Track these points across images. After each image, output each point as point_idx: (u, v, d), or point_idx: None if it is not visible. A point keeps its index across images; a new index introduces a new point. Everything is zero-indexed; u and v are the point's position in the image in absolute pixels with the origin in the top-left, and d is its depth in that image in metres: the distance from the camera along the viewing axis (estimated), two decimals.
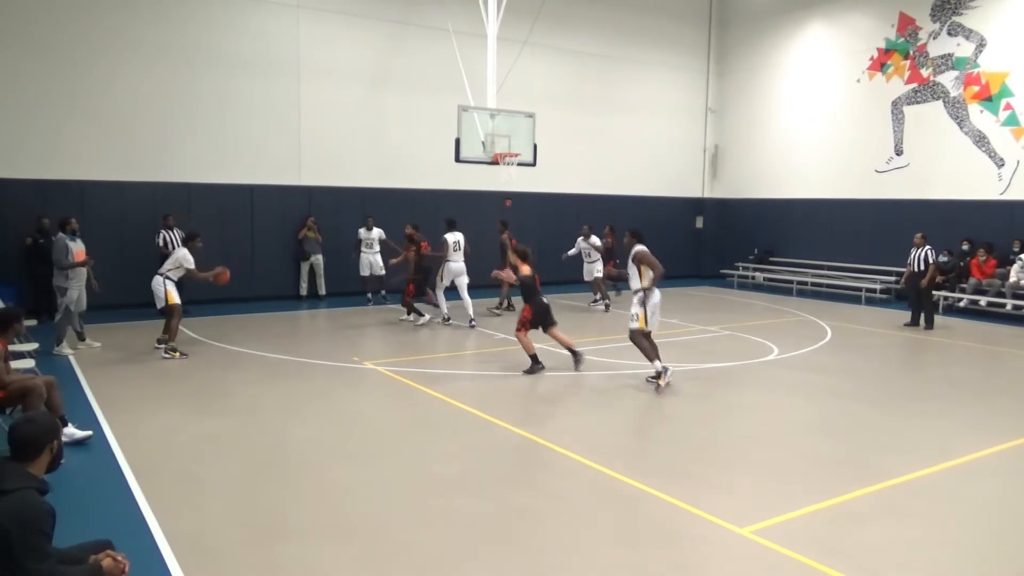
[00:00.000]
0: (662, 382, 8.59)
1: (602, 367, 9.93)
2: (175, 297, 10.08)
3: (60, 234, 10.15)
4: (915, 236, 13.84)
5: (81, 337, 10.47)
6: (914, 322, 13.76)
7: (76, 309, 10.12)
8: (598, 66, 19.70)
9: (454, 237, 13.06)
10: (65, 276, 9.98)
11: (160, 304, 10.10)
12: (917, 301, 13.74)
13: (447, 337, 12.07)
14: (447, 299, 13.27)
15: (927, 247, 13.60)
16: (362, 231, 15.47)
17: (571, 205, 19.17)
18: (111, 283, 13.61)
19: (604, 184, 20.00)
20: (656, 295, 8.72)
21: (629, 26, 20.12)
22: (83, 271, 10.16)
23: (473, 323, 12.74)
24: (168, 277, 10.13)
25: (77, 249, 10.11)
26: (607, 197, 19.88)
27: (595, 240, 15.45)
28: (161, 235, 13.23)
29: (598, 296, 15.64)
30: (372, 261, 15.37)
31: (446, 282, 13.02)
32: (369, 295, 15.41)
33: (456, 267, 12.95)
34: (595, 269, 15.28)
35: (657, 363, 8.65)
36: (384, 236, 15.36)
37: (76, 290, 10.05)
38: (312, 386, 8.69)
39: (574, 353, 9.51)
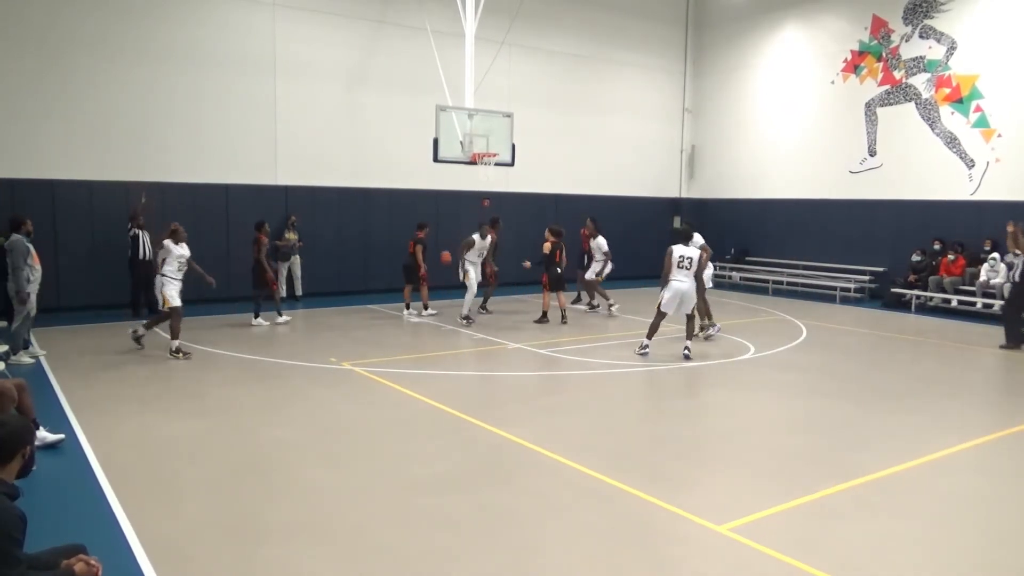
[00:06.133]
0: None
1: (580, 367, 9.96)
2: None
3: (15, 236, 9.44)
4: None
5: (26, 345, 9.88)
6: (1015, 342, 11.58)
7: (32, 314, 9.64)
8: (576, 66, 19.74)
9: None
10: (27, 280, 9.44)
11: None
12: (1018, 316, 11.72)
13: (424, 338, 12.03)
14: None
15: None
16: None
17: (549, 205, 19.20)
18: (82, 284, 13.46)
19: (582, 184, 20.04)
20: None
21: (607, 26, 20.19)
22: (39, 274, 9.65)
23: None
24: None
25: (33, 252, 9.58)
26: (585, 197, 19.92)
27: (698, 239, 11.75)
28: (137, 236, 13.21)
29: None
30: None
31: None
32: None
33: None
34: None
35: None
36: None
37: (34, 293, 9.57)
38: (289, 387, 8.61)
39: (562, 313, 12.96)
